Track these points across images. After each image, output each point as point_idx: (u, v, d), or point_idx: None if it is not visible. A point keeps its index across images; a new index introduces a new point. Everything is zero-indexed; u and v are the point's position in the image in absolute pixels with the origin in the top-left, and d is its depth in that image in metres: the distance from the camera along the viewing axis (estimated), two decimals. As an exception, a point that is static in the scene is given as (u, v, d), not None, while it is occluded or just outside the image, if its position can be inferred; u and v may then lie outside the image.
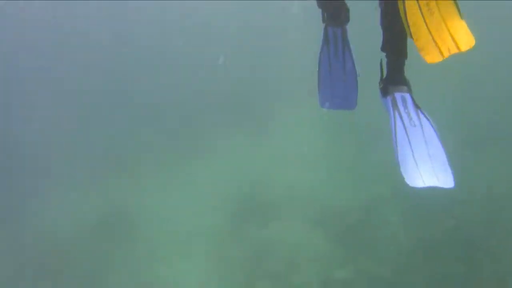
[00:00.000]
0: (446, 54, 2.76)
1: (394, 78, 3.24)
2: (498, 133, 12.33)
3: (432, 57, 2.78)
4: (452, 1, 2.78)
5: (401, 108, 3.13)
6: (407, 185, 3.21)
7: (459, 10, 2.81)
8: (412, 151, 3.05)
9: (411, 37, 2.80)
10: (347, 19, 3.55)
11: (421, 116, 3.14)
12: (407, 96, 3.19)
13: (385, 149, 11.34)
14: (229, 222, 11.75)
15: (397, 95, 3.16)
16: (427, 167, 2.99)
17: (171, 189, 13.20)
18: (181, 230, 11.76)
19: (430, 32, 2.72)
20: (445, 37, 2.74)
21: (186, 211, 12.34)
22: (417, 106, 3.17)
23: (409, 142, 3.07)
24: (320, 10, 3.53)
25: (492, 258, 9.31)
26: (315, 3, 3.50)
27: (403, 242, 10.22)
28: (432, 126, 3.10)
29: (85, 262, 11.42)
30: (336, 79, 3.57)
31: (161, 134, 15.09)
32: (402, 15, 2.78)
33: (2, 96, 18.42)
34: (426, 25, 2.72)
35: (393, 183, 12.09)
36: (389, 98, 3.22)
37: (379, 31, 3.38)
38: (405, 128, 3.08)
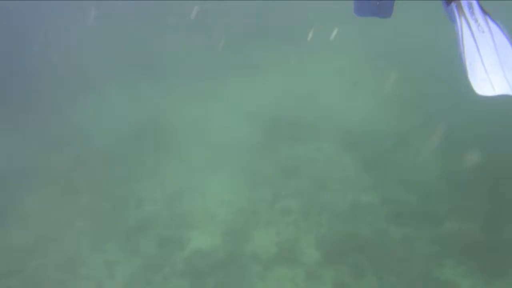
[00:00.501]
0: None
1: None
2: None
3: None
4: None
5: (468, 14, 2.97)
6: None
7: None
8: (481, 59, 2.88)
9: None
10: None
11: (490, 22, 2.99)
12: (474, 1, 3.02)
13: (423, 80, 11.25)
14: (261, 138, 11.88)
15: (463, 1, 3.01)
16: (498, 74, 2.84)
17: (207, 101, 13.27)
18: (213, 143, 11.95)
19: None
20: None
21: (220, 124, 12.49)
22: (485, 12, 3.00)
23: (478, 49, 2.89)
24: None
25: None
26: None
27: (432, 172, 10.29)
28: (503, 32, 2.96)
29: (118, 169, 11.76)
30: None
31: (201, 44, 14.92)
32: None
33: None
34: None
35: (427, 114, 12.06)
36: (454, 5, 3.04)
37: None
38: (473, 35, 2.92)
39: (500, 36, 2.94)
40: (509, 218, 8.87)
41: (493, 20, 3.00)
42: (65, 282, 9.37)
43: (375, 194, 9.86)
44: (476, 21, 2.96)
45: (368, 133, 11.66)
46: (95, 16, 15.92)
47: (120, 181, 11.49)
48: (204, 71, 14.03)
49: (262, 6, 15.68)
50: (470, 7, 2.98)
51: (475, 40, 2.92)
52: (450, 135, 11.32)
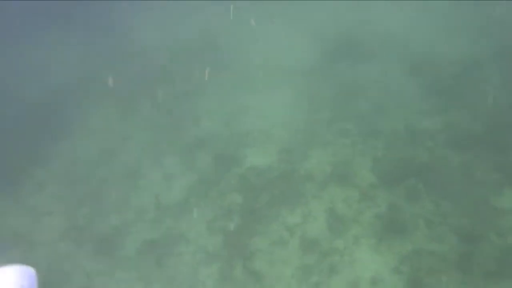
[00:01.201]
0: None
1: None
2: None
3: None
4: None
5: None
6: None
7: None
8: None
9: None
10: None
11: None
12: None
13: (496, 5, 10.50)
14: (321, 59, 11.65)
15: None
16: None
17: (268, 21, 13.07)
18: (273, 63, 11.83)
19: None
20: None
21: (281, 44, 12.30)
22: None
23: None
24: None
25: None
26: None
27: (501, 102, 9.82)
28: None
29: (178, 86, 11.92)
30: None
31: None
32: None
33: None
34: None
35: (499, 41, 11.38)
36: None
37: None
38: None
39: None
40: None
41: None
42: (126, 193, 9.83)
43: (436, 119, 9.56)
44: None
45: (434, 58, 11.17)
46: None
47: (179, 98, 11.68)
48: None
49: None
50: None
51: None
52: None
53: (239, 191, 9.16)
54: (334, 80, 11.00)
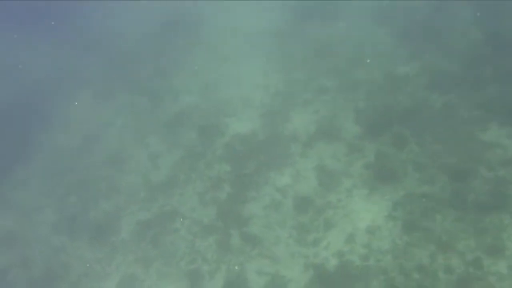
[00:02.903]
0: None
1: None
2: None
3: None
4: None
5: None
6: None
7: None
8: None
9: None
10: None
11: None
12: None
13: None
14: (290, 19, 11.47)
15: None
16: None
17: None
18: (243, 29, 11.65)
19: None
20: None
21: (247, 8, 12.11)
22: None
23: None
24: None
25: None
26: None
27: (473, 37, 9.79)
28: None
29: (150, 65, 11.73)
30: None
31: None
32: None
33: None
34: None
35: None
36: None
37: None
38: None
39: None
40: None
41: None
42: (113, 177, 9.73)
43: (413, 64, 9.51)
44: None
45: (404, 4, 11.07)
46: None
47: (154, 76, 11.50)
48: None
49: None
50: None
51: None
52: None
53: (226, 160, 9.11)
54: (305, 39, 10.87)
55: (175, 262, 8.14)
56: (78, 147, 10.60)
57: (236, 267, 7.72)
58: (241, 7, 12.34)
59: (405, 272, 6.84)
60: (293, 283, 7.36)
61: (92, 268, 8.64)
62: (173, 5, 13.27)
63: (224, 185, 8.75)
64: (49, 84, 12.34)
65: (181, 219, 8.59)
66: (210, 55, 11.43)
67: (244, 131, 9.45)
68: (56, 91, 12.13)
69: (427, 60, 9.58)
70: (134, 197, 9.19)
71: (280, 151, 8.86)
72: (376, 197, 7.71)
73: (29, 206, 9.62)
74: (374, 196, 7.73)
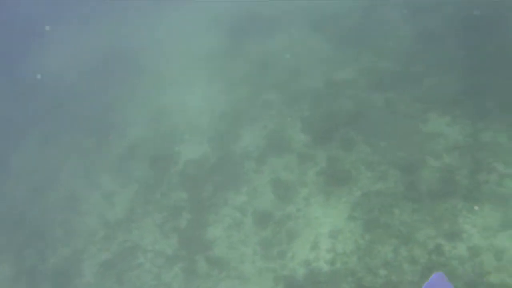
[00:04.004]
0: None
1: None
2: None
3: None
4: None
5: None
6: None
7: None
8: None
9: None
10: None
11: None
12: None
13: None
14: (230, 39, 11.60)
15: None
16: None
17: (167, 14, 12.90)
18: (182, 55, 11.70)
19: None
20: None
21: (185, 35, 12.17)
22: None
23: None
24: None
25: (491, 39, 9.31)
26: None
27: (404, 35, 10.16)
28: None
29: (93, 103, 11.61)
30: None
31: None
32: None
33: None
34: None
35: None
36: None
37: None
38: None
39: None
40: (483, 63, 8.85)
41: None
42: (69, 221, 9.49)
43: (351, 68, 9.76)
44: None
45: (335, 11, 11.40)
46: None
47: (98, 114, 11.35)
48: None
49: None
50: None
51: None
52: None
53: (182, 188, 9.05)
54: (245, 56, 11.02)
55: (144, 297, 7.99)
56: (28, 196, 10.32)
57: (206, 293, 7.64)
58: (179, 32, 12.40)
59: (372, 270, 6.93)
60: (264, 299, 7.34)
61: (59, 318, 8.37)
62: (107, 39, 13.21)
63: (183, 212, 8.68)
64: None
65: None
66: (154, 84, 11.41)
67: (196, 156, 9.43)
68: (1, 142, 11.81)
69: (363, 62, 9.85)
70: (93, 238, 8.98)
71: (234, 171, 8.87)
72: (334, 201, 7.81)
73: (-17, 264, 9.27)
74: (331, 200, 7.83)
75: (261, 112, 9.68)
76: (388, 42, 10.14)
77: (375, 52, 9.96)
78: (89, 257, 8.75)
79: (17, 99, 12.74)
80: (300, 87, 9.81)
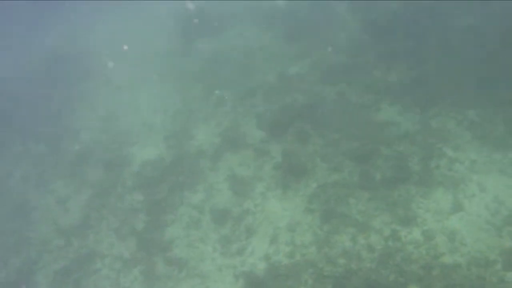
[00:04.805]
0: None
1: None
2: None
3: None
4: None
5: None
6: None
7: None
8: None
9: None
10: None
11: None
12: None
13: None
14: (181, 38, 11.51)
15: None
16: None
17: (117, 15, 12.68)
18: (132, 56, 11.55)
19: None
20: None
21: (134, 35, 12.01)
22: None
23: None
24: None
25: (436, 27, 9.55)
26: None
27: (352, 27, 10.32)
28: None
29: (41, 109, 11.32)
30: None
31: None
32: None
33: None
34: None
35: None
36: None
37: None
38: None
39: None
40: (430, 52, 9.06)
41: None
42: (21, 230, 9.17)
43: (303, 62, 9.85)
44: None
45: (283, 7, 11.48)
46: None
47: (48, 119, 11.06)
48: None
49: None
50: None
51: None
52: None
53: (137, 190, 8.89)
54: (197, 56, 10.97)
55: (103, 303, 7.81)
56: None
57: (167, 294, 7.52)
58: (127, 32, 12.22)
59: (331, 260, 6.97)
60: (226, 297, 7.29)
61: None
62: (52, 42, 12.88)
63: (139, 214, 8.52)
64: None
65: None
66: (103, 86, 11.21)
67: (150, 157, 9.29)
68: None
69: (315, 56, 9.94)
70: (47, 247, 8.71)
71: (189, 169, 8.78)
72: (291, 194, 7.83)
73: None
74: (288, 194, 7.84)
75: (214, 109, 9.62)
76: (337, 35, 10.27)
77: (325, 46, 10.06)
78: (43, 266, 8.48)
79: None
80: (252, 82, 9.82)
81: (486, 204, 6.68)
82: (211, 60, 10.67)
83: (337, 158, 8.01)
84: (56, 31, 13.14)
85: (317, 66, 9.70)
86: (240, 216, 7.86)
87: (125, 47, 11.77)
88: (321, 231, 7.28)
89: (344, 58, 9.66)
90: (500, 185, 6.81)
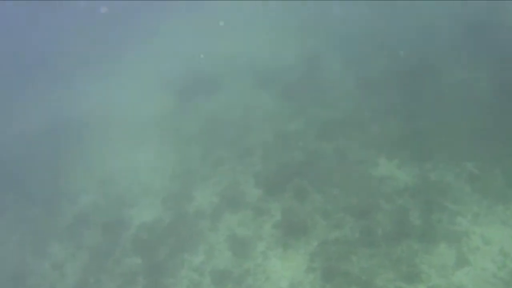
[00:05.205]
0: None
1: None
2: None
3: None
4: None
5: None
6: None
7: None
8: None
9: None
10: None
11: None
12: None
13: (315, 4, 11.23)
14: (177, 100, 11.64)
15: None
16: None
17: (113, 79, 12.86)
18: (131, 119, 11.62)
19: None
20: None
21: (133, 97, 12.14)
22: None
23: None
24: None
25: (430, 81, 9.71)
26: None
27: (347, 84, 10.48)
28: None
29: (41, 172, 11.28)
30: None
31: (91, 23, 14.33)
32: None
33: None
34: None
35: (328, 35, 12.25)
36: None
37: None
38: None
39: None
40: (425, 106, 9.17)
41: None
42: (17, 298, 8.99)
43: (299, 120, 9.93)
44: None
45: (277, 66, 11.70)
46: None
47: (45, 183, 10.98)
48: (100, 47, 13.55)
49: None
50: None
51: None
52: (353, 47, 11.60)
53: (136, 253, 8.73)
54: (195, 116, 11.06)
55: None
56: (-27, 274, 9.73)
57: None
58: (125, 96, 12.36)
59: (336, 321, 6.78)
60: None
61: None
62: (52, 107, 13.01)
63: (138, 278, 8.32)
64: None
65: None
66: (104, 150, 11.21)
67: (149, 220, 9.18)
68: None
69: (310, 114, 10.04)
70: (43, 314, 8.49)
71: (189, 231, 8.65)
72: (292, 253, 7.69)
73: None
74: (289, 252, 7.71)
75: (213, 169, 9.60)
76: (331, 92, 10.41)
77: (322, 102, 10.19)
78: (39, 336, 8.23)
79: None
80: (250, 142, 9.85)
81: (491, 257, 6.56)
82: (209, 120, 10.76)
83: (337, 215, 7.93)
84: (55, 96, 13.30)
85: (313, 123, 9.78)
86: (241, 277, 7.68)
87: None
88: (324, 290, 7.12)
89: (339, 114, 9.75)
90: (504, 237, 6.72)
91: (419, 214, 7.39)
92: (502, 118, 8.31)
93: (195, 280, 7.95)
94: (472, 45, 10.31)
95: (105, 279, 8.58)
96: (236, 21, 13.71)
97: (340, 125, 9.49)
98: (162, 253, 8.53)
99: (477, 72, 9.48)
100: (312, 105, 10.22)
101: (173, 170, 9.94)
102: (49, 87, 13.79)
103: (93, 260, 8.96)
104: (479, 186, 7.44)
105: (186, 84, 12.03)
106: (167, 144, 10.62)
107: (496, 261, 6.50)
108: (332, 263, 7.30)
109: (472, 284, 6.35)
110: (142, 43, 13.61)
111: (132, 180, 10.12)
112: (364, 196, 7.95)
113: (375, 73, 10.41)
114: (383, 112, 9.36)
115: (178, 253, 8.43)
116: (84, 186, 10.49)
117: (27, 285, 9.05)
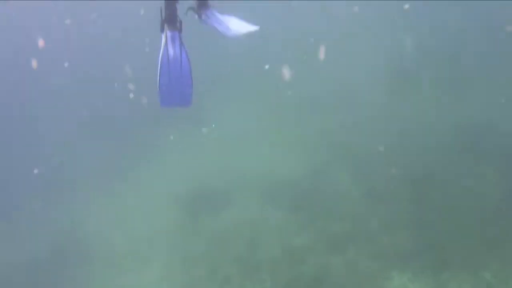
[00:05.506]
0: None
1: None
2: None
3: None
4: None
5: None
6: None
7: None
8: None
9: None
10: (181, 25, 3.90)
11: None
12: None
13: (320, 116, 11.64)
14: (184, 217, 11.56)
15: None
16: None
17: (119, 199, 12.87)
18: (137, 238, 11.49)
19: None
20: None
21: (139, 216, 12.06)
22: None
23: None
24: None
25: (438, 190, 9.68)
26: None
27: (354, 195, 10.45)
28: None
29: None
30: (174, 79, 3.84)
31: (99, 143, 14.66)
32: None
33: None
34: None
35: (335, 146, 12.43)
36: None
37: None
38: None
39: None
40: (434, 216, 9.09)
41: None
42: None
43: (308, 232, 9.79)
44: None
45: (285, 178, 11.74)
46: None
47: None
48: (107, 167, 13.73)
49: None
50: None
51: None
52: (363, 158, 11.70)
53: None
54: (202, 232, 10.92)
55: None
56: None
57: None
58: (135, 211, 12.33)
59: None
60: None
61: None
62: (61, 226, 12.95)
63: None
64: None
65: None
66: (109, 271, 10.98)
67: None
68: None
69: (319, 225, 9.91)
70: None
71: None
72: None
73: None
74: None
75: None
76: (340, 203, 10.34)
77: (329, 214, 10.08)
78: None
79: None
80: (258, 259, 9.64)
81: None
82: (216, 237, 10.62)
83: (352, 334, 7.55)
84: (60, 215, 13.31)
85: (321, 235, 9.62)
86: None
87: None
88: None
89: (348, 225, 9.61)
90: None
91: (438, 331, 7.02)
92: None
93: None
94: (478, 148, 10.39)
95: None
96: (240, 133, 13.99)
97: (349, 237, 9.33)
98: None
99: (480, 180, 9.47)
100: (320, 216, 10.12)
101: (180, 288, 9.67)
102: (58, 205, 13.83)
103: None
104: (498, 298, 7.13)
105: (191, 202, 11.99)
106: (174, 262, 10.40)
107: None
108: None
109: None
110: (145, 161, 13.88)
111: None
112: (378, 313, 7.62)
113: (382, 183, 10.40)
114: (392, 223, 9.27)
115: None
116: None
117: None
